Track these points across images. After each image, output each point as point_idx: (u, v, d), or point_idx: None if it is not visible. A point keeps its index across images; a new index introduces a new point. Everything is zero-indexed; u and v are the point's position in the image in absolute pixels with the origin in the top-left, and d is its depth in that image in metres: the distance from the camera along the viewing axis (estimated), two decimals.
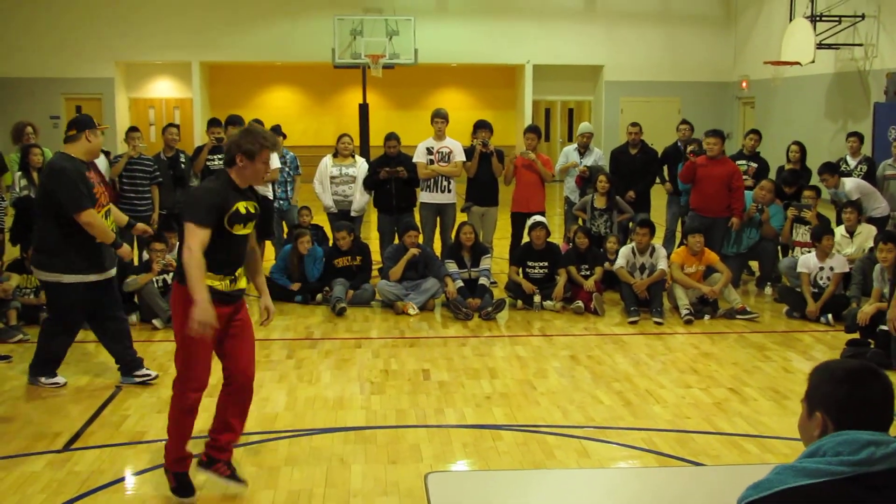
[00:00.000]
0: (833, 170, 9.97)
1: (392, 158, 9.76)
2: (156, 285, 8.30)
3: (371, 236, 10.29)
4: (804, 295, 8.68)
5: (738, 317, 8.60)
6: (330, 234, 9.78)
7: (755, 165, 10.76)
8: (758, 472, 2.53)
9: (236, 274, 4.62)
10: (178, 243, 8.79)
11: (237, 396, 4.73)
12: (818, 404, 2.31)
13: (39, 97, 21.35)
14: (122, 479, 4.86)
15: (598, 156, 10.87)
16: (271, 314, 5.04)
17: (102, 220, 6.09)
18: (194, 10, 21.84)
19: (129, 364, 6.55)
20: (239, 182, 4.51)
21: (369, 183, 9.85)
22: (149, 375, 6.55)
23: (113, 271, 6.42)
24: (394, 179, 9.68)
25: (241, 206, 4.48)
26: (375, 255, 10.27)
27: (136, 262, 9.07)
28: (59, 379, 6.48)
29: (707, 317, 8.68)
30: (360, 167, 10.02)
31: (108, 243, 6.19)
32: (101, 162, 9.09)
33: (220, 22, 21.92)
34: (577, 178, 10.59)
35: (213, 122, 10.13)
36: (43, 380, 6.43)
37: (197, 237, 4.29)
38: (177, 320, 4.44)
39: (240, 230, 4.51)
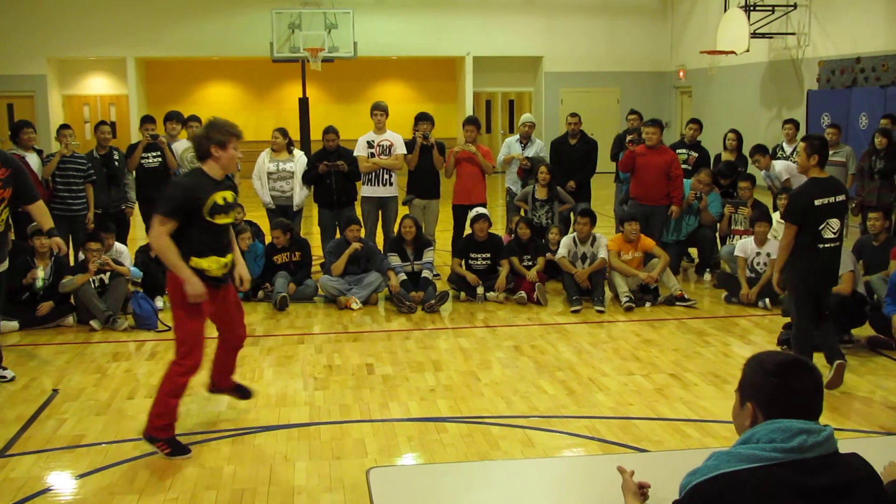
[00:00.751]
0: (763, 151, 10.15)
1: (331, 152, 9.68)
2: (93, 286, 8.14)
3: (312, 231, 10.20)
4: (740, 278, 8.83)
5: (678, 303, 8.72)
6: (267, 231, 9.67)
7: (695, 155, 10.90)
8: (699, 456, 2.56)
9: (227, 258, 5.18)
10: (113, 243, 8.63)
11: (233, 353, 5.63)
12: (749, 395, 2.37)
13: None
14: (59, 485, 4.75)
15: (540, 147, 10.91)
16: (245, 281, 5.63)
17: None
18: (128, 4, 21.41)
19: None
20: (214, 174, 5.02)
21: (308, 178, 9.76)
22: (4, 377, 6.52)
23: None
24: (334, 173, 9.60)
25: (219, 198, 4.98)
26: (317, 251, 10.20)
27: (71, 263, 8.90)
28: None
29: (648, 304, 8.77)
30: (298, 162, 9.92)
31: None
32: (34, 160, 8.90)
33: (155, 16, 21.52)
34: (518, 170, 10.61)
35: (146, 119, 9.96)
36: None
37: (161, 228, 4.85)
38: (175, 304, 5.06)
39: (222, 219, 5.03)
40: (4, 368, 6.56)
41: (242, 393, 5.81)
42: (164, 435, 5.06)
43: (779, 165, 10.00)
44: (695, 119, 11.52)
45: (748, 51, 17.92)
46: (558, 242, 9.22)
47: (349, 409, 5.91)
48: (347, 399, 6.10)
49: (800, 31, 17.48)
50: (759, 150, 10.15)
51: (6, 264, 6.35)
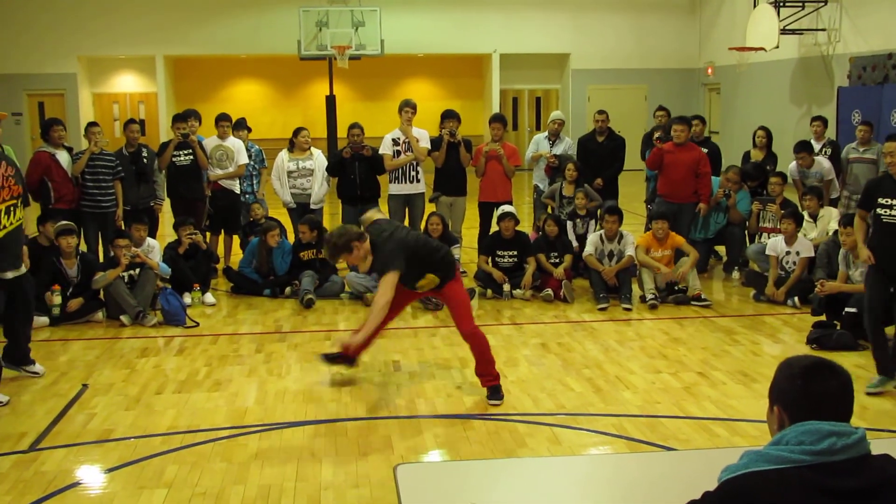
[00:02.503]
0: (809, 149, 10.02)
1: (357, 147, 9.70)
2: (123, 281, 8.21)
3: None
4: (769, 277, 8.75)
5: (694, 303, 8.64)
6: (289, 228, 9.69)
7: (706, 151, 10.80)
8: (727, 455, 2.54)
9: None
10: (145, 236, 8.70)
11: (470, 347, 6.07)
12: (776, 399, 2.36)
13: (1, 94, 21.01)
14: (89, 478, 4.80)
15: (568, 144, 10.88)
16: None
17: None
18: (158, 3, 21.57)
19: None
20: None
21: (333, 167, 9.78)
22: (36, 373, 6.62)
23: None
24: (358, 168, 9.61)
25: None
26: None
27: (101, 259, 8.99)
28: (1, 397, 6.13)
29: (670, 297, 8.72)
30: (318, 160, 9.97)
31: None
32: (64, 158, 8.99)
33: (184, 15, 21.67)
34: (546, 167, 10.59)
35: (178, 118, 10.01)
36: None
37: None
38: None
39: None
40: (34, 363, 6.62)
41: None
42: (493, 383, 5.98)
43: (826, 163, 9.90)
44: (697, 116, 11.32)
45: (778, 47, 17.75)
46: (575, 181, 9.47)
47: (376, 405, 5.92)
48: (374, 396, 6.11)
49: (830, 26, 17.29)
50: (804, 147, 10.02)
51: (24, 268, 6.25)
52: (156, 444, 5.24)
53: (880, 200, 6.08)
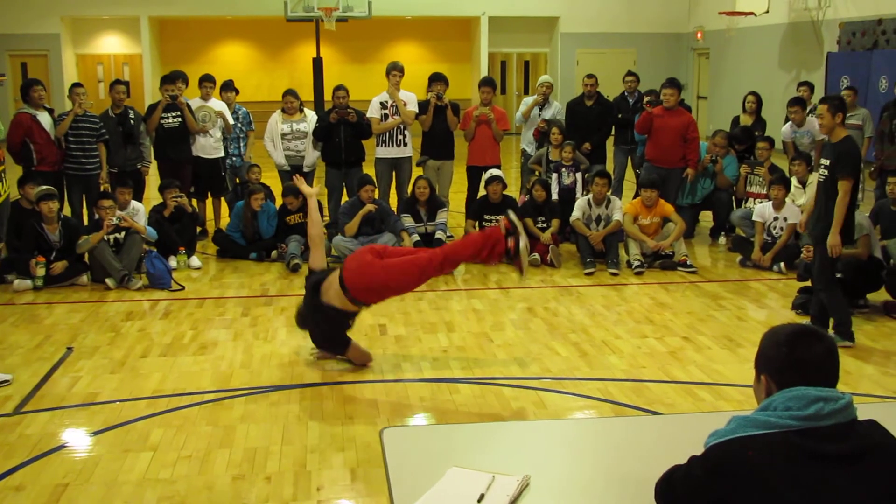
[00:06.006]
0: (802, 104, 10.00)
1: (342, 109, 9.63)
2: (109, 244, 8.16)
3: (324, 192, 10.21)
4: (755, 243, 8.77)
5: (679, 268, 8.65)
6: (277, 194, 9.63)
7: None
8: (712, 419, 2.55)
9: None
10: (130, 200, 8.64)
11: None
12: (762, 367, 2.36)
13: None
14: (74, 441, 4.79)
15: (557, 108, 10.81)
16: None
17: None
18: None
19: None
20: None
21: (320, 132, 9.71)
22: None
23: None
24: (343, 132, 9.55)
25: None
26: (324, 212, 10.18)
27: (85, 222, 8.92)
28: (5, 375, 5.71)
29: (657, 262, 8.73)
30: (311, 121, 9.90)
31: None
32: (46, 119, 8.89)
33: None
34: (535, 131, 10.55)
35: (166, 80, 9.89)
36: None
37: None
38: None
39: None
40: None
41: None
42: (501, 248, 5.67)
43: (817, 124, 9.88)
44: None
45: (767, 12, 17.69)
46: (560, 144, 9.59)
47: (362, 369, 5.92)
48: None
49: None
50: (799, 101, 9.99)
51: None
52: (141, 408, 5.23)
53: (821, 162, 6.38)
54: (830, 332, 6.20)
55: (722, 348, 6.34)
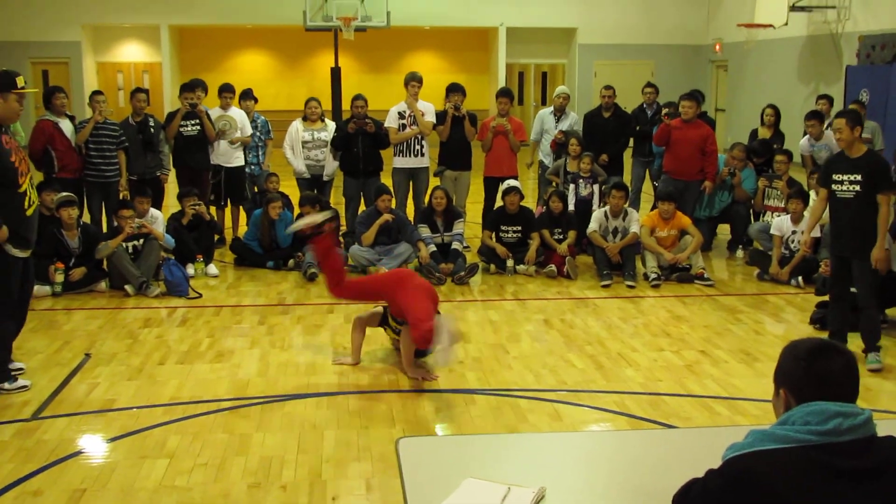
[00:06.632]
0: (820, 117, 9.95)
1: (360, 118, 9.66)
2: (127, 251, 8.21)
3: (342, 201, 10.25)
4: (773, 256, 8.73)
5: (697, 282, 8.62)
6: (296, 202, 9.67)
7: None
8: (728, 433, 2.54)
9: None
10: (148, 208, 8.69)
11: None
12: (781, 382, 2.35)
13: (4, 62, 20.80)
14: (91, 448, 4.82)
15: (574, 119, 10.82)
16: None
17: None
18: None
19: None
20: None
21: (338, 141, 9.75)
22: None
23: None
24: (361, 141, 9.59)
25: None
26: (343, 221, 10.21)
27: (104, 230, 8.98)
28: (24, 382, 5.70)
29: (674, 275, 8.71)
30: (332, 131, 9.94)
31: None
32: (67, 127, 8.96)
33: None
34: (552, 143, 10.55)
35: (185, 88, 9.96)
36: (6, 385, 5.61)
37: None
38: None
39: None
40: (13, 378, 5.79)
41: None
42: None
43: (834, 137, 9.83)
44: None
45: (787, 24, 17.63)
46: (578, 156, 9.50)
47: (378, 378, 5.93)
48: (376, 369, 6.12)
49: (840, 4, 17.14)
50: (816, 115, 9.95)
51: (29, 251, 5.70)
52: (158, 415, 5.25)
53: (834, 177, 6.24)
54: (859, 350, 6.20)
55: (739, 362, 6.31)
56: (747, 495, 2.16)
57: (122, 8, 21.53)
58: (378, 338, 6.82)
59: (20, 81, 5.55)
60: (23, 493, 4.26)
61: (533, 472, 2.90)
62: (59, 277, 7.99)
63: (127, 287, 8.08)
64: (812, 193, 9.19)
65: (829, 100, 10.94)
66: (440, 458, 3.09)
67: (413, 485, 2.81)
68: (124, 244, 8.22)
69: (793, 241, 8.71)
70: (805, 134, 10.14)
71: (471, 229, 10.60)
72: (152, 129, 9.62)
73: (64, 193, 8.23)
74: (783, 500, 2.12)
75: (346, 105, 15.81)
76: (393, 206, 9.22)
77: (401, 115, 9.75)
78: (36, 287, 7.81)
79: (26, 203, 5.53)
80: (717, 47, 22.43)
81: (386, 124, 9.75)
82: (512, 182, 9.39)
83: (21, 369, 5.93)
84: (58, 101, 8.93)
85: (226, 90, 10.15)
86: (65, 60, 21.82)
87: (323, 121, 10.08)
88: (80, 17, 21.59)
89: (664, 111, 10.46)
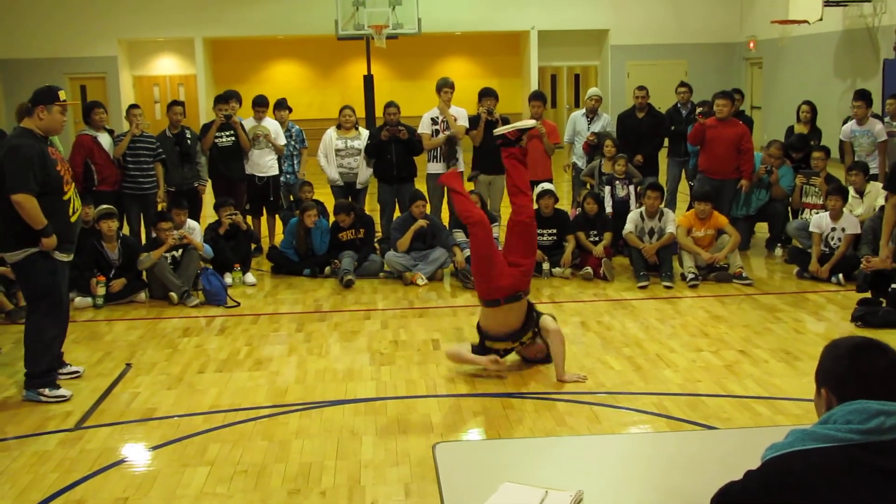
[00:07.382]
0: (868, 98, 9.77)
1: (393, 125, 9.70)
2: (167, 262, 8.31)
3: (376, 208, 10.29)
4: (812, 254, 8.63)
5: (735, 281, 8.54)
6: (331, 209, 9.74)
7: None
8: (769, 434, 2.51)
9: None
10: (186, 220, 8.78)
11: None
12: (823, 381, 2.33)
13: (43, 78, 21.07)
14: (133, 456, 4.87)
15: (607, 121, 10.78)
16: None
17: (36, 205, 5.40)
18: None
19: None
20: None
21: (371, 149, 9.80)
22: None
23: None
24: (394, 148, 9.62)
25: None
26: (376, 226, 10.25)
27: (143, 241, 9.09)
28: (64, 391, 5.78)
29: (712, 274, 8.63)
30: (365, 139, 9.99)
31: (37, 229, 5.45)
32: (106, 140, 9.09)
33: None
34: (584, 144, 10.52)
35: (219, 99, 10.06)
36: (47, 392, 5.72)
37: None
38: None
39: None
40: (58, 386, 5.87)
41: None
42: None
43: (878, 125, 9.68)
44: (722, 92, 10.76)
45: (821, 19, 17.42)
46: (613, 157, 9.54)
47: (415, 384, 5.94)
48: (413, 374, 6.13)
49: None
50: (863, 96, 9.77)
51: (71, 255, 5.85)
52: (198, 423, 5.30)
53: None
54: None
55: (779, 361, 6.24)
56: (787, 496, 2.14)
57: (157, 22, 21.79)
58: (415, 342, 6.84)
59: (62, 95, 5.78)
60: (67, 502, 4.32)
61: (570, 475, 2.89)
62: (101, 290, 8.10)
63: (171, 294, 8.18)
64: (850, 189, 9.07)
65: (867, 101, 10.60)
66: (478, 462, 3.09)
67: (450, 489, 2.82)
68: (165, 254, 8.32)
69: (832, 239, 8.60)
70: (846, 121, 9.94)
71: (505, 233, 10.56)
72: (189, 141, 9.73)
73: (103, 206, 8.35)
74: (824, 501, 2.10)
75: (379, 112, 15.89)
76: (427, 211, 9.24)
77: (433, 122, 9.77)
78: (77, 299, 7.97)
79: (70, 210, 5.74)
80: (752, 45, 22.22)
81: (419, 130, 9.78)
82: (546, 185, 9.36)
83: (77, 372, 6.16)
84: (97, 117, 9.06)
85: (259, 104, 10.22)
86: (102, 75, 22.12)
87: (357, 129, 10.13)
88: (116, 33, 21.89)
89: (698, 110, 10.39)
